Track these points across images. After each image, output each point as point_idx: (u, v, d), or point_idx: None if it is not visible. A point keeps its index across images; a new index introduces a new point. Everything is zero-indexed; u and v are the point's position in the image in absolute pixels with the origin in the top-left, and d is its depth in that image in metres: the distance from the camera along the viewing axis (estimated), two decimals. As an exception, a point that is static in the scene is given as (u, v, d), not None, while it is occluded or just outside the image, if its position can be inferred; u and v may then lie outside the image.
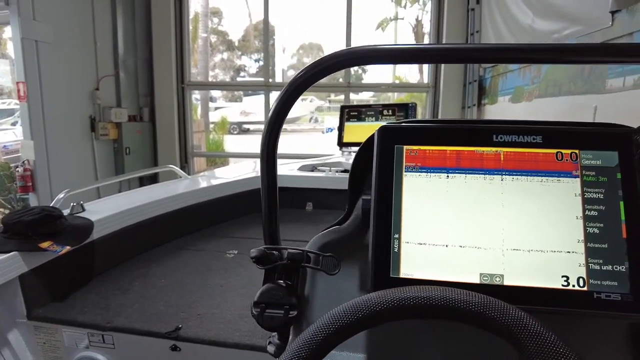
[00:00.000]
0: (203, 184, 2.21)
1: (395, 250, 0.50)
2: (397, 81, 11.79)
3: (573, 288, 0.47)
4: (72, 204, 1.68)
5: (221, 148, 9.91)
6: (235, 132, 14.34)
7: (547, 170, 0.51)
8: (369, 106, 2.19)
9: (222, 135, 10.89)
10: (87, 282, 1.52)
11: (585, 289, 0.47)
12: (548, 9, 3.13)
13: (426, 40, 12.57)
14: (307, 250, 0.54)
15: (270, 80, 5.69)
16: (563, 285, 0.47)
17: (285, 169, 2.72)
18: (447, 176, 0.52)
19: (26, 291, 1.31)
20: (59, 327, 1.30)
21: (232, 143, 11.90)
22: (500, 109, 4.44)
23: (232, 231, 2.09)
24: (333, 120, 16.52)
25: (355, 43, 5.47)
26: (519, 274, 0.49)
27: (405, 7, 12.17)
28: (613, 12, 2.36)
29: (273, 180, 0.61)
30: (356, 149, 2.08)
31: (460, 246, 0.50)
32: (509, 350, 0.54)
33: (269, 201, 0.61)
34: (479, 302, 0.37)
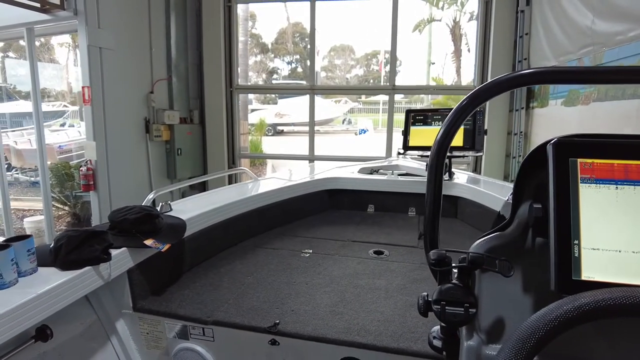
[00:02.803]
0: (271, 186, 2.30)
1: (576, 255, 0.54)
2: (433, 82, 11.70)
3: None
4: (161, 203, 1.78)
5: (259, 149, 10.12)
6: (270, 134, 14.58)
7: None
8: (435, 110, 2.22)
9: (259, 137, 11.12)
10: (178, 278, 1.62)
11: None
12: (611, 10, 3.05)
13: (464, 42, 12.39)
14: (485, 255, 0.59)
15: (308, 82, 5.79)
16: None
17: (345, 171, 2.77)
18: (616, 187, 0.56)
19: (132, 284, 1.41)
20: (162, 319, 1.39)
21: (267, 144, 12.11)
22: (551, 113, 4.34)
23: (302, 231, 2.16)
24: (366, 121, 16.50)
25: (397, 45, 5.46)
26: None
27: (442, 8, 12.05)
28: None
29: (439, 190, 0.66)
30: (421, 153, 2.10)
31: (634, 252, 0.54)
32: None
33: (434, 209, 0.66)
34: None
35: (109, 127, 4.25)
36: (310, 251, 1.88)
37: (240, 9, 9.44)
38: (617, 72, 0.61)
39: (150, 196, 1.80)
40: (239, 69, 6.24)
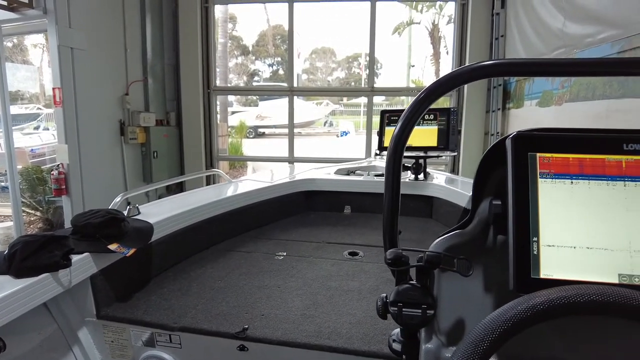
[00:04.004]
0: (246, 188, 2.25)
1: (535, 252, 0.52)
2: (412, 85, 11.82)
3: None
4: (128, 207, 1.72)
5: (240, 151, 10.03)
6: (251, 136, 14.48)
7: None
8: (410, 111, 2.20)
9: (240, 139, 11.03)
10: (146, 283, 1.56)
11: None
12: (581, 13, 3.12)
13: (443, 45, 12.56)
14: (443, 253, 0.57)
15: (288, 84, 5.77)
16: None
17: (321, 172, 2.75)
18: (572, 182, 0.55)
19: (96, 291, 1.35)
20: (127, 326, 1.34)
21: (248, 147, 12.03)
22: (527, 114, 4.42)
23: (276, 234, 2.12)
24: (347, 124, 16.56)
25: (375, 48, 5.49)
26: None
27: (421, 11, 12.20)
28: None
29: (397, 188, 0.64)
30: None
31: (588, 248, 0.53)
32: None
33: (392, 207, 0.64)
34: None
35: (82, 130, 4.13)
36: (284, 254, 1.85)
37: (219, 10, 9.37)
38: (572, 65, 0.59)
39: (118, 199, 1.74)
40: (217, 70, 6.18)
